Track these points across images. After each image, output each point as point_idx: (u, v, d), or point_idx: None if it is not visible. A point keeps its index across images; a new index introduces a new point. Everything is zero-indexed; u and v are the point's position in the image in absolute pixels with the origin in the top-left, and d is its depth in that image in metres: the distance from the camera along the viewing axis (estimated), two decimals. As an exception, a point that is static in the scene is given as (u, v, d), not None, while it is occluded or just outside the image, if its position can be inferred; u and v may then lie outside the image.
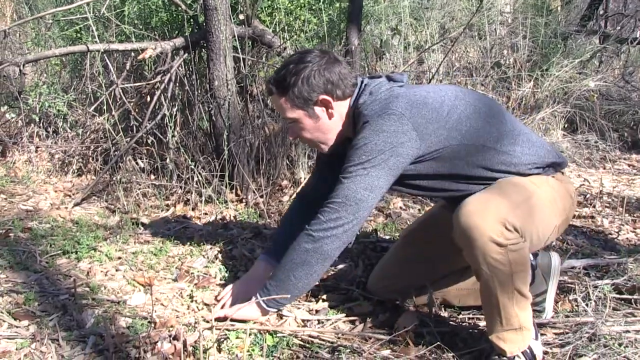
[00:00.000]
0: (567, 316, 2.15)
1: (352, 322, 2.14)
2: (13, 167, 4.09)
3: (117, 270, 2.50)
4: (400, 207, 3.59)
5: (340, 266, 2.58)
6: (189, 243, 2.81)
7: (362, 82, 1.97)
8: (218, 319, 2.02)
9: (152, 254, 2.67)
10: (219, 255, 2.63)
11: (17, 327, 2.03)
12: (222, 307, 2.11)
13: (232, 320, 1.98)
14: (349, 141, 1.93)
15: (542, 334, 2.03)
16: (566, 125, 5.99)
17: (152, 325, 2.03)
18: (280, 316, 2.13)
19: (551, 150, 1.97)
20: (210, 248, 2.72)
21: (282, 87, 1.93)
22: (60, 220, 3.09)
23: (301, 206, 2.34)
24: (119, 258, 2.62)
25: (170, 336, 1.95)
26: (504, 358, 1.80)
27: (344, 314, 2.18)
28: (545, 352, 1.92)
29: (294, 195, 3.47)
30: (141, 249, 2.72)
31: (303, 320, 2.12)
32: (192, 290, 2.33)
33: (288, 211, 2.41)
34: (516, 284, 1.73)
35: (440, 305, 2.23)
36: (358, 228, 1.87)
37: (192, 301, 2.26)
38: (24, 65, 3.57)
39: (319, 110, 1.94)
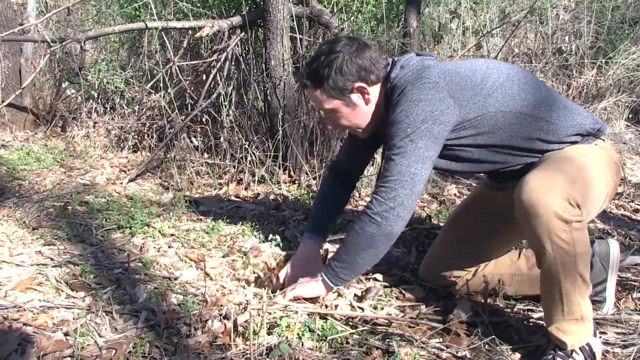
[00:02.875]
0: (630, 315, 2.04)
1: (403, 308, 2.09)
2: (72, 142, 4.18)
3: (169, 247, 2.52)
4: (455, 194, 3.51)
5: (394, 253, 2.53)
6: (241, 223, 2.80)
7: (392, 60, 1.96)
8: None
9: (204, 232, 2.68)
10: (271, 236, 2.62)
11: (74, 297, 2.06)
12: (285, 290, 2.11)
13: (297, 299, 2.01)
14: (384, 122, 1.94)
15: (602, 332, 1.94)
16: (630, 116, 5.75)
17: (204, 303, 2.03)
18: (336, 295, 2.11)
19: (588, 116, 1.92)
20: (262, 229, 2.71)
21: (315, 79, 1.93)
22: (115, 195, 3.14)
23: (334, 181, 2.34)
24: (172, 235, 2.63)
25: (220, 315, 1.94)
26: (562, 352, 1.73)
27: (395, 299, 2.14)
28: (606, 352, 1.83)
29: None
30: (194, 227, 2.73)
31: (355, 305, 2.08)
32: (243, 262, 2.32)
33: (322, 187, 2.39)
34: (579, 268, 1.66)
35: (494, 295, 2.16)
36: (416, 203, 1.86)
37: (244, 267, 2.27)
38: (84, 41, 3.62)
39: (356, 97, 1.94)
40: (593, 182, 1.77)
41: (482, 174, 2.17)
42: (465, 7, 5.46)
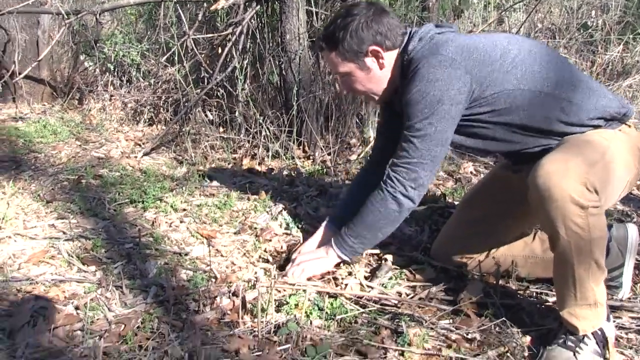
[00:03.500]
0: (646, 299, 2.01)
1: (413, 288, 2.08)
2: (88, 115, 4.19)
3: (181, 222, 2.52)
4: (471, 172, 3.46)
5: (406, 231, 2.50)
6: (253, 198, 2.79)
7: (410, 31, 1.92)
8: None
9: (216, 207, 2.67)
10: (283, 212, 2.60)
11: (85, 271, 2.08)
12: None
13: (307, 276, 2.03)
14: (398, 91, 1.93)
15: (617, 317, 1.91)
16: (657, 95, 5.61)
17: (213, 280, 2.03)
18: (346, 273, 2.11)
19: (614, 99, 1.85)
20: (275, 205, 2.70)
21: (331, 42, 1.92)
22: (129, 169, 3.14)
23: (367, 174, 2.30)
24: (184, 210, 2.63)
25: (229, 292, 1.94)
26: (574, 337, 1.70)
27: (406, 279, 2.12)
28: (620, 337, 1.80)
29: (362, 155, 3.41)
30: (206, 202, 2.72)
31: (365, 284, 2.07)
32: (254, 244, 2.32)
33: (357, 176, 2.40)
34: (594, 254, 1.62)
35: (507, 277, 2.13)
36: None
37: (255, 250, 2.26)
38: (100, 14, 3.60)
39: (370, 61, 1.92)
40: (614, 167, 1.72)
41: (498, 154, 2.13)
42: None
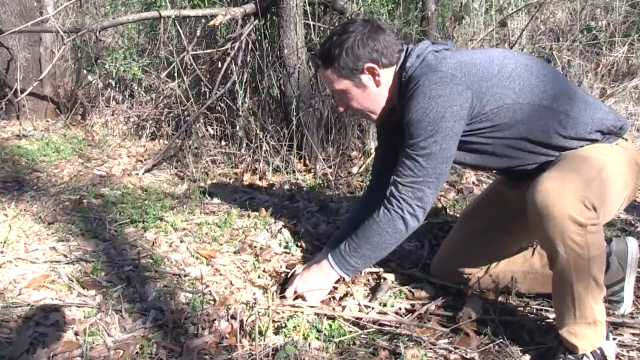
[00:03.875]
0: (648, 315, 2.00)
1: (412, 306, 2.07)
2: (91, 131, 4.22)
3: (181, 242, 2.52)
4: (473, 182, 3.45)
5: (405, 247, 2.50)
6: (254, 215, 2.80)
7: (407, 48, 1.93)
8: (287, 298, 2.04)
9: (216, 225, 2.68)
10: (283, 230, 2.61)
11: (85, 296, 2.09)
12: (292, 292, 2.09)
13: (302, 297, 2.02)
14: (395, 110, 1.93)
15: (618, 334, 1.90)
16: (664, 96, 5.56)
17: (212, 302, 2.03)
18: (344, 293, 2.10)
19: (610, 112, 1.86)
20: (275, 222, 2.70)
21: (327, 59, 1.92)
22: (130, 187, 3.16)
23: (372, 192, 2.30)
24: (184, 229, 2.64)
25: (228, 315, 1.95)
26: (573, 356, 1.69)
27: (405, 298, 2.12)
28: (620, 356, 1.79)
29: (364, 167, 3.40)
30: (206, 220, 2.73)
31: (363, 304, 2.07)
32: (253, 264, 2.32)
33: (354, 205, 2.43)
34: (593, 271, 1.62)
35: (506, 293, 2.12)
36: None
37: (254, 270, 2.27)
38: (99, 31, 3.62)
39: (366, 78, 1.91)
40: (611, 183, 1.71)
41: (496, 170, 2.12)
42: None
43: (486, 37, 4.59)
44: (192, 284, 2.17)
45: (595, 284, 1.64)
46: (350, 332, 1.89)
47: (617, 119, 1.84)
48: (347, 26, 1.92)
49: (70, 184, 3.17)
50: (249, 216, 2.81)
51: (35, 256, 2.35)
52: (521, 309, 2.06)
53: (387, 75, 1.92)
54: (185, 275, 2.23)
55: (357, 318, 1.96)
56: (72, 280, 2.17)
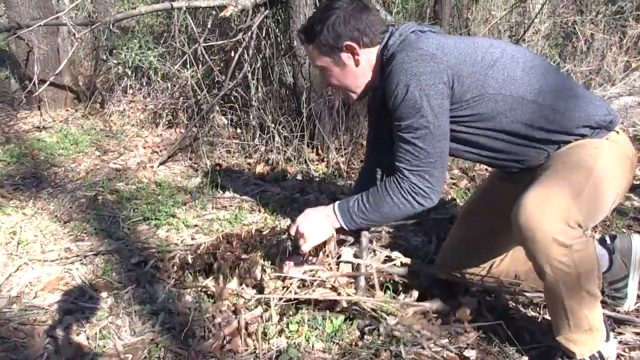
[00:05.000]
0: (651, 314, 1.99)
1: (414, 304, 2.08)
2: (109, 120, 4.28)
3: (192, 239, 2.58)
4: (486, 169, 3.43)
5: (412, 242, 2.52)
6: (265, 209, 2.84)
7: (391, 29, 1.90)
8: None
9: (227, 221, 2.73)
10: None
11: (97, 298, 2.16)
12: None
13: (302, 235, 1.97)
14: (379, 90, 1.92)
15: (619, 333, 1.90)
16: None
17: (217, 305, 2.08)
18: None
19: (601, 106, 1.81)
20: (284, 217, 2.74)
21: (309, 34, 1.90)
22: (144, 182, 3.22)
23: (369, 172, 2.25)
24: (195, 226, 2.70)
25: (232, 317, 2.00)
26: None
27: (409, 295, 2.13)
28: (621, 355, 1.79)
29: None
30: (217, 216, 2.78)
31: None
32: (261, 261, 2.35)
33: (359, 179, 2.34)
34: (584, 286, 1.61)
35: (507, 293, 2.13)
36: None
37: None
38: (113, 24, 3.65)
39: (345, 56, 1.88)
40: (601, 187, 1.69)
41: (487, 164, 2.08)
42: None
43: (504, 17, 4.49)
44: (200, 284, 2.22)
45: (589, 295, 1.63)
46: (351, 332, 1.93)
47: (607, 112, 1.79)
48: (333, 3, 1.89)
49: (86, 180, 3.24)
50: (259, 211, 2.85)
51: (51, 257, 2.43)
52: (523, 306, 2.07)
53: (367, 55, 1.89)
54: (193, 273, 2.28)
55: (355, 304, 1.99)
56: (84, 283, 2.24)
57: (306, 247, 1.97)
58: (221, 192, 3.09)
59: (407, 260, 2.07)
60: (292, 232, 2.01)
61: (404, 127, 1.76)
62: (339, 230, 2.00)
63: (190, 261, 2.25)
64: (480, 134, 1.81)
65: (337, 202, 1.97)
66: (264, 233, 2.21)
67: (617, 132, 1.80)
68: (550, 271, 1.58)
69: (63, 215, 2.78)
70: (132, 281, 2.25)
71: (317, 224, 1.97)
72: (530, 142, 1.79)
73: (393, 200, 1.84)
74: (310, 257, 2.06)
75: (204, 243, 2.33)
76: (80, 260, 2.40)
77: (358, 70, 1.91)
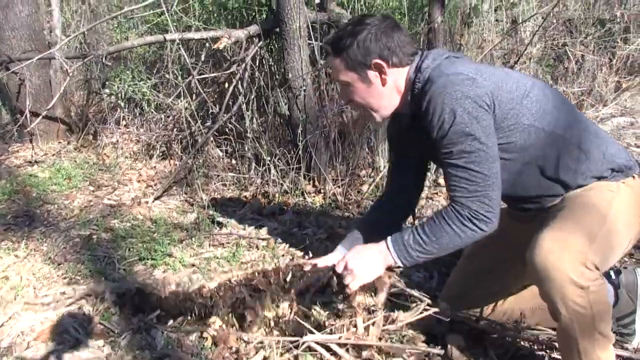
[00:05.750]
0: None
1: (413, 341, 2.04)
2: (102, 153, 4.23)
3: (189, 280, 2.52)
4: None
5: (413, 278, 2.48)
6: (262, 246, 2.80)
7: (422, 51, 1.86)
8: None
9: (225, 260, 2.68)
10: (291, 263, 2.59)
11: (92, 348, 2.09)
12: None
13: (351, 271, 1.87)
14: (406, 113, 1.87)
15: (630, 373, 1.86)
16: (680, 88, 5.44)
17: (220, 351, 2.03)
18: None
19: (621, 150, 1.82)
20: (283, 255, 2.69)
21: (337, 47, 1.85)
22: (140, 219, 3.17)
23: (375, 216, 2.19)
24: (193, 265, 2.65)
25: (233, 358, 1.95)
26: None
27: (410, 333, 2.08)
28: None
29: (373, 185, 3.37)
30: (215, 254, 2.74)
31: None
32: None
33: (373, 207, 2.26)
34: (598, 327, 1.59)
35: (515, 330, 2.09)
36: None
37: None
38: (105, 57, 3.62)
39: (372, 74, 1.83)
40: (616, 232, 1.68)
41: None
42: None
43: (497, 41, 4.50)
44: (200, 327, 2.16)
45: (602, 336, 1.61)
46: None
47: (628, 157, 1.80)
48: (364, 18, 1.85)
49: (80, 217, 3.18)
50: (257, 247, 2.81)
51: (45, 302, 2.36)
52: (529, 345, 2.04)
53: (395, 75, 1.84)
54: (193, 315, 2.22)
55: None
56: (80, 330, 2.17)
57: (354, 285, 1.85)
58: (218, 228, 3.04)
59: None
60: (340, 268, 1.89)
61: (456, 154, 1.70)
62: (389, 269, 1.92)
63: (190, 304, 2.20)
64: (507, 165, 1.79)
65: (389, 238, 1.86)
66: (305, 268, 2.03)
67: (634, 177, 1.79)
68: (565, 312, 1.56)
69: (57, 257, 2.72)
70: (131, 326, 2.19)
71: (369, 260, 1.86)
72: (553, 178, 1.78)
73: (453, 230, 1.76)
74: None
75: (236, 276, 2.21)
76: (76, 305, 2.34)
77: (384, 90, 1.86)
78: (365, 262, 1.85)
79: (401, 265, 1.85)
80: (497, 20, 5.08)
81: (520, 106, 1.73)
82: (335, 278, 1.91)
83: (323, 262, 2.03)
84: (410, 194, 2.17)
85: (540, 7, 5.46)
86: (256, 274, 2.07)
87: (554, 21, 5.94)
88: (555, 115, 1.75)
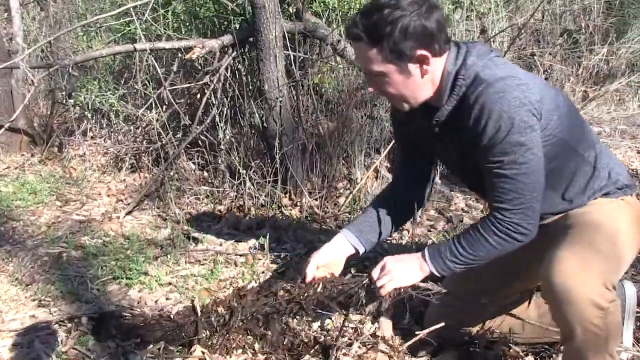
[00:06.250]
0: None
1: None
2: (68, 166, 4.08)
3: (167, 299, 2.44)
4: (462, 209, 3.38)
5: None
6: (240, 262, 2.72)
7: (460, 43, 1.70)
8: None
9: (203, 277, 2.60)
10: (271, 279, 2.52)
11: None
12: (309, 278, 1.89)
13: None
14: (439, 105, 1.72)
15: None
16: (643, 97, 5.57)
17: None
18: None
19: (623, 168, 1.84)
20: (263, 272, 2.62)
21: (374, 36, 1.61)
22: (111, 235, 3.05)
23: (389, 203, 2.06)
24: (169, 284, 2.55)
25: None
26: None
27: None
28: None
29: (350, 197, 3.32)
30: (192, 272, 2.65)
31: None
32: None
33: (380, 197, 2.14)
34: (609, 348, 1.59)
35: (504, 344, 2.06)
36: None
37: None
38: (72, 67, 3.50)
39: (413, 66, 1.65)
40: (623, 251, 1.68)
41: None
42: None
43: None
44: (179, 351, 2.07)
45: (611, 357, 1.61)
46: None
47: (628, 176, 1.81)
48: (400, 1, 1.60)
49: (48, 234, 3.04)
50: (235, 264, 2.73)
51: (12, 327, 2.23)
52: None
53: (434, 65, 1.66)
54: (172, 340, 2.12)
55: None
56: (53, 357, 2.06)
57: (390, 286, 1.76)
58: (193, 244, 2.95)
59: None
60: (376, 273, 1.81)
61: (507, 164, 1.61)
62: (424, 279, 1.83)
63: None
64: None
65: (426, 249, 1.81)
66: (345, 279, 1.90)
67: (631, 195, 1.80)
68: (581, 332, 1.53)
69: (24, 277, 2.58)
70: (107, 350, 2.09)
71: (407, 265, 1.80)
72: (564, 194, 1.78)
73: (490, 242, 1.71)
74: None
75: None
76: (46, 329, 2.21)
77: (422, 81, 1.69)
78: (404, 267, 1.79)
79: (437, 274, 1.79)
80: (467, 30, 5.10)
81: (556, 117, 1.67)
82: (369, 284, 1.84)
83: (333, 251, 1.95)
84: (419, 186, 2.09)
85: (510, 18, 5.51)
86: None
87: (523, 31, 6.02)
88: (576, 129, 1.73)
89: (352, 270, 1.98)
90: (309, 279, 1.89)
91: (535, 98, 1.59)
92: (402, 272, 1.78)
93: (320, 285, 1.86)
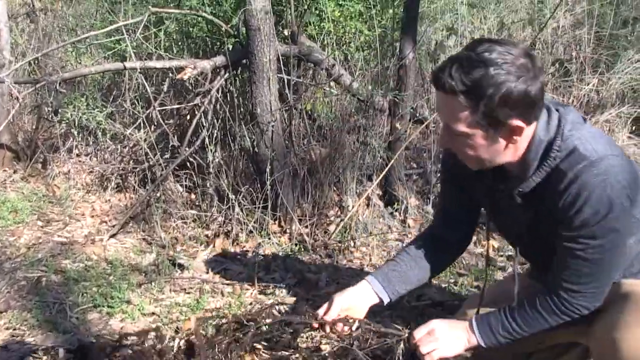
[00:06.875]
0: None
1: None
2: (52, 184, 3.97)
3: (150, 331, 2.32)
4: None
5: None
6: (227, 293, 2.63)
7: (547, 106, 1.52)
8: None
9: (188, 307, 2.50)
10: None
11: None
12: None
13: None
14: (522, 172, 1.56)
15: None
16: (634, 128, 5.57)
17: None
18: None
19: None
20: (250, 303, 2.52)
21: (472, 95, 1.41)
22: (94, 259, 2.94)
23: (422, 244, 1.92)
24: (153, 314, 2.45)
25: None
26: None
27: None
28: None
29: (341, 225, 3.24)
30: (176, 301, 2.55)
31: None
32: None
33: (413, 245, 1.94)
34: None
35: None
36: None
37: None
38: (59, 83, 3.41)
39: (503, 135, 1.48)
40: None
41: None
42: (463, 22, 5.24)
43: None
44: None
45: None
46: None
47: None
48: (505, 55, 1.38)
49: (27, 257, 2.93)
50: (222, 294, 2.63)
51: (-15, 358, 2.13)
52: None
53: (525, 133, 1.48)
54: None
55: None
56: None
57: (436, 354, 1.62)
58: (179, 271, 2.85)
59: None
60: (420, 333, 1.66)
61: (593, 247, 1.48)
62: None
63: None
64: None
65: (473, 320, 1.68)
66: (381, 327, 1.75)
67: None
68: None
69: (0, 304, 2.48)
70: (84, 388, 1.99)
71: (455, 333, 1.67)
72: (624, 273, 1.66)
73: (548, 321, 1.61)
74: None
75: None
76: (21, 361, 2.11)
77: (505, 149, 1.52)
78: (452, 336, 1.66)
79: (484, 346, 1.67)
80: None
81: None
82: (407, 342, 1.69)
83: (357, 297, 1.80)
84: (464, 228, 1.93)
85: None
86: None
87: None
88: None
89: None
90: (331, 317, 1.74)
91: (632, 177, 1.46)
92: (449, 341, 1.65)
93: (356, 324, 1.72)
